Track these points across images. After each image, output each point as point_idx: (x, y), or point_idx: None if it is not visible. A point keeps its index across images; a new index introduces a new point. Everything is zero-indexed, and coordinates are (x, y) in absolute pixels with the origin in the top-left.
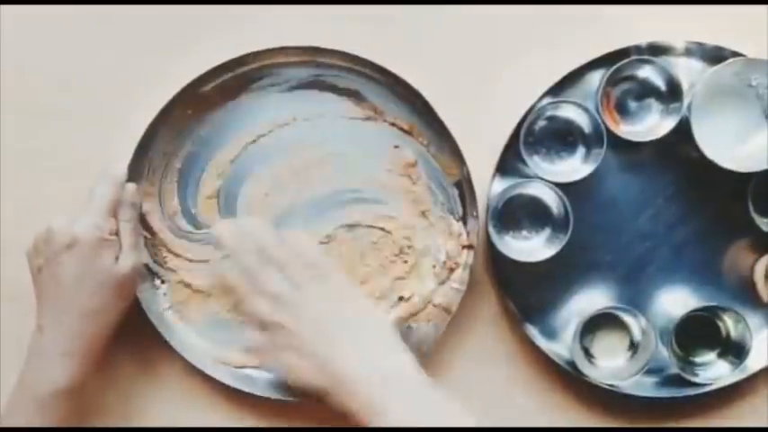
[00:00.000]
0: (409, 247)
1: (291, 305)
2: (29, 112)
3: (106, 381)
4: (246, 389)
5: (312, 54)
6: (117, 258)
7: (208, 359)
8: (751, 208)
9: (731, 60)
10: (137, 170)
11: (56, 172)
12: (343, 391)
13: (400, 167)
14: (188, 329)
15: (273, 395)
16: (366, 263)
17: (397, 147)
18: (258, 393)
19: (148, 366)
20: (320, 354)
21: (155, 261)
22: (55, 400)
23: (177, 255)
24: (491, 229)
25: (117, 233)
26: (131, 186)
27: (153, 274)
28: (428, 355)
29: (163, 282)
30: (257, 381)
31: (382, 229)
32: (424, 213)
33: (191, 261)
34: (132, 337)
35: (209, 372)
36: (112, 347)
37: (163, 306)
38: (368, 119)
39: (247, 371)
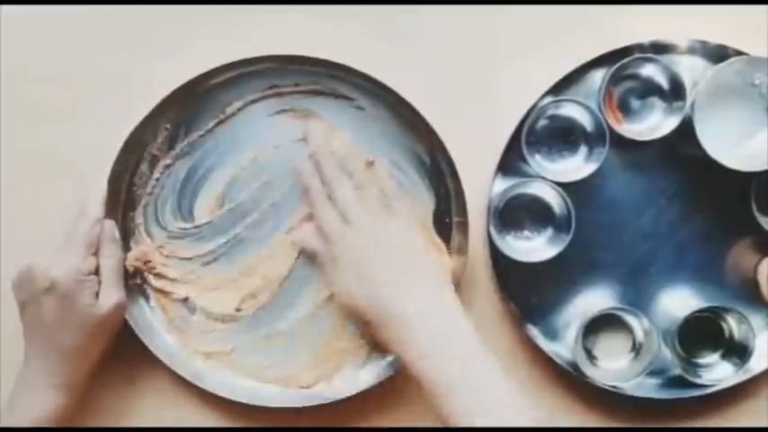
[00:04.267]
0: None
1: (359, 224)
2: (29, 112)
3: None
4: (243, 399)
5: (301, 63)
6: (98, 296)
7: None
8: (754, 207)
9: (734, 59)
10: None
11: (56, 172)
12: (389, 325)
13: None
14: (175, 339)
15: (261, 403)
16: None
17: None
18: (249, 402)
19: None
20: (375, 280)
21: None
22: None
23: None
24: (492, 229)
25: (97, 271)
26: (110, 224)
27: (140, 287)
28: None
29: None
30: (257, 393)
31: None
32: None
33: (172, 279)
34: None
35: (198, 383)
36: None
37: (150, 316)
38: None
39: (244, 383)
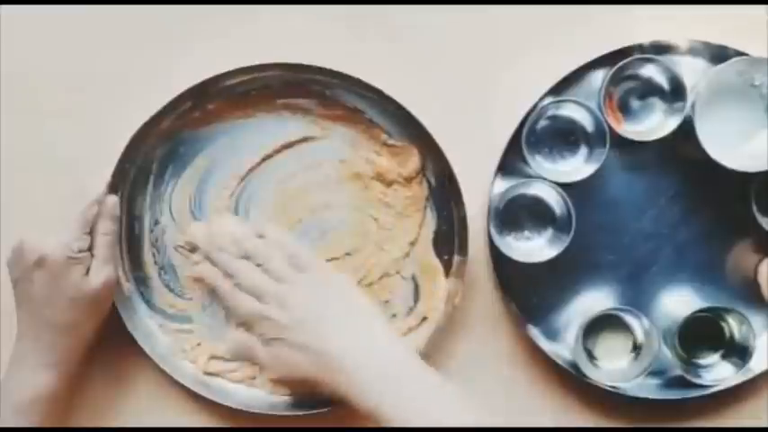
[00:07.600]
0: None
1: (276, 297)
2: (29, 112)
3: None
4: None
5: (302, 71)
6: (88, 273)
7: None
8: (754, 208)
9: (734, 60)
10: (120, 181)
11: (56, 172)
12: (340, 380)
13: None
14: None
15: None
16: None
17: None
18: (234, 406)
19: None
20: (312, 344)
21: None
22: (35, 406)
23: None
24: (492, 230)
25: (90, 248)
26: (112, 199)
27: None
28: (429, 355)
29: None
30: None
31: None
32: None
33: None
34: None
35: (191, 387)
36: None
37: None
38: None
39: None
